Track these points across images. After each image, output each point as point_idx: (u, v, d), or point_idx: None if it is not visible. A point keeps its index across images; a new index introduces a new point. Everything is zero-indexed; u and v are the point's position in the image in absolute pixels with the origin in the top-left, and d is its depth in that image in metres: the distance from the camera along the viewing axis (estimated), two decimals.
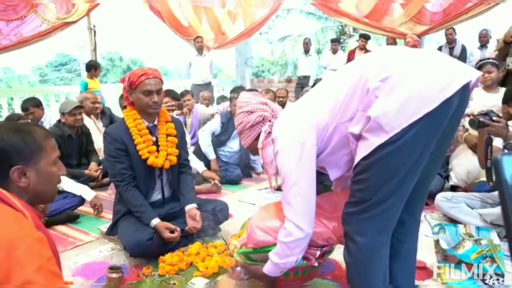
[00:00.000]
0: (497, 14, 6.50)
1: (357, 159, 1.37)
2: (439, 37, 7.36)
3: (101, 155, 4.17)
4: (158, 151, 2.40)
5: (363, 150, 1.33)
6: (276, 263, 1.60)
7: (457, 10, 6.68)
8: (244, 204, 3.39)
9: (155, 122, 2.43)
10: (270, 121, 1.65)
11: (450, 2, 6.77)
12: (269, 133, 1.63)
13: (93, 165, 3.82)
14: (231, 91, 4.81)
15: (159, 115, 2.44)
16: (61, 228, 2.89)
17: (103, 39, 7.59)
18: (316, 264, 1.71)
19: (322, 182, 3.50)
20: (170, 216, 2.47)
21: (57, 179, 1.28)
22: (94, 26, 6.65)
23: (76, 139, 3.82)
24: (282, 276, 1.70)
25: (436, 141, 1.32)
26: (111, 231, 2.47)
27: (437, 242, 2.01)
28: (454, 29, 6.80)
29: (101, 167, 3.86)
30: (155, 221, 2.26)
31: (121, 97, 4.21)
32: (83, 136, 3.90)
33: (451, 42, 6.74)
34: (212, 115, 4.98)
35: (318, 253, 1.70)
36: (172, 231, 2.26)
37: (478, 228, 2.02)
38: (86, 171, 3.72)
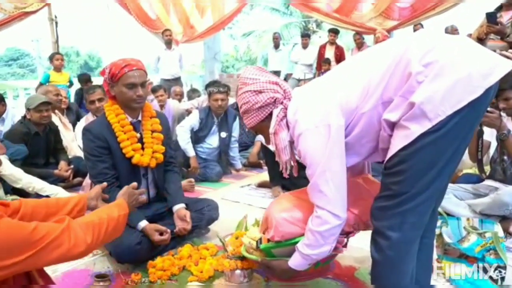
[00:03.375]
0: (463, 9, 6.70)
1: (394, 149, 1.29)
2: (407, 32, 7.48)
3: (70, 154, 3.92)
4: (143, 148, 2.23)
5: (402, 140, 1.26)
6: (307, 254, 1.49)
7: (424, 6, 6.82)
8: (228, 202, 3.26)
9: (139, 118, 2.26)
10: (282, 103, 1.52)
11: None
12: (282, 117, 1.51)
13: (62, 164, 3.57)
14: (208, 86, 4.65)
15: (143, 110, 2.27)
16: None
17: (60, 32, 7.17)
18: (343, 252, 1.63)
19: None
20: (157, 217, 2.32)
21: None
22: (55, 17, 6.26)
23: (44, 137, 3.56)
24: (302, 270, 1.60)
25: None
26: None
27: (439, 236, 1.98)
28: (422, 25, 6.95)
29: (71, 166, 3.61)
30: (143, 223, 2.10)
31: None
32: (51, 134, 3.63)
33: None
34: (187, 111, 4.81)
35: (345, 240, 1.63)
36: (161, 233, 2.11)
37: (481, 221, 2.01)
38: (56, 171, 3.47)
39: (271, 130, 1.52)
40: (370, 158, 1.53)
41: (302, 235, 1.53)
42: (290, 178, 3.21)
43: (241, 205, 3.14)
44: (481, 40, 4.22)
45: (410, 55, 1.26)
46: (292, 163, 1.62)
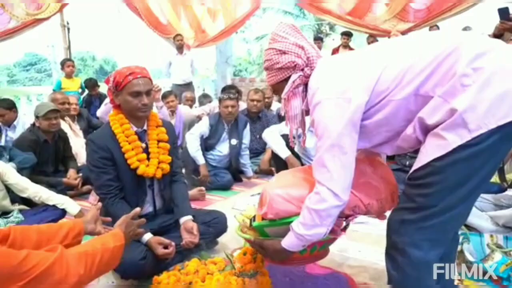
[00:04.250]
0: (480, 11, 6.50)
1: (425, 159, 1.20)
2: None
3: (80, 161, 3.89)
4: (148, 158, 2.16)
5: (436, 150, 1.17)
6: (301, 234, 1.39)
7: (440, 7, 6.64)
8: (239, 212, 3.17)
9: (145, 127, 2.19)
10: (302, 70, 1.45)
11: None
12: (298, 84, 1.45)
13: (71, 172, 3.54)
14: (222, 91, 4.59)
15: (149, 118, 2.20)
16: None
17: (74, 38, 7.27)
18: (340, 236, 1.54)
19: None
20: (163, 229, 2.25)
21: None
22: (67, 23, 6.27)
23: (53, 145, 3.53)
24: (297, 253, 1.50)
25: None
26: None
27: (460, 253, 1.86)
28: (438, 27, 6.77)
29: (80, 174, 3.58)
30: (147, 236, 2.03)
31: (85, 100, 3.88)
32: (60, 142, 3.61)
33: None
34: (198, 117, 4.75)
35: (344, 223, 1.53)
36: (166, 247, 2.03)
37: (506, 238, 1.88)
38: (65, 179, 3.44)
39: (283, 95, 1.47)
40: (378, 148, 1.43)
41: (298, 214, 1.44)
42: None
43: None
44: (497, 37, 4.04)
45: (461, 53, 1.16)
46: (302, 134, 1.57)
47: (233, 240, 2.38)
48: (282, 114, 1.59)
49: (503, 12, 3.43)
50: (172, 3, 7.70)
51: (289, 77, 1.47)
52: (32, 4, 5.47)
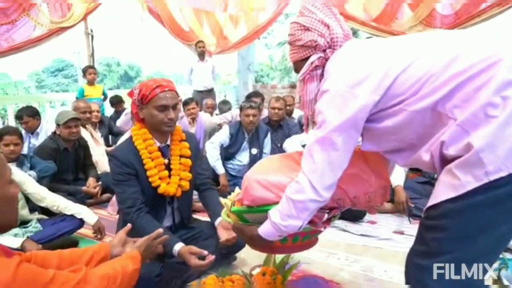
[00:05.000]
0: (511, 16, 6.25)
1: (437, 198, 1.06)
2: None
3: (100, 169, 3.88)
4: (170, 176, 2.08)
5: (448, 190, 1.03)
6: (276, 223, 1.31)
7: (469, 12, 6.41)
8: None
9: (168, 142, 2.11)
10: (324, 51, 1.33)
11: (462, 3, 6.51)
12: (317, 66, 1.33)
13: (91, 180, 3.53)
14: (246, 98, 4.52)
15: (173, 133, 2.12)
16: None
17: (99, 44, 7.36)
18: (322, 229, 1.44)
19: None
20: (183, 243, 2.17)
21: (16, 200, 1.12)
22: (91, 31, 6.34)
23: (73, 153, 3.53)
24: (278, 241, 1.41)
25: None
26: None
27: (497, 281, 1.71)
28: None
29: (99, 183, 3.56)
30: (178, 246, 1.91)
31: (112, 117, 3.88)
32: (80, 150, 3.60)
33: None
34: (219, 125, 4.69)
35: (326, 216, 1.42)
36: (202, 257, 1.90)
37: None
38: (84, 188, 3.43)
39: (300, 76, 1.35)
40: (389, 155, 1.30)
41: (276, 203, 1.35)
42: None
43: None
44: None
45: (496, 73, 1.01)
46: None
47: (252, 256, 2.29)
48: (296, 98, 1.45)
49: None
50: (195, 10, 7.71)
51: (309, 57, 1.35)
52: (56, 12, 5.53)
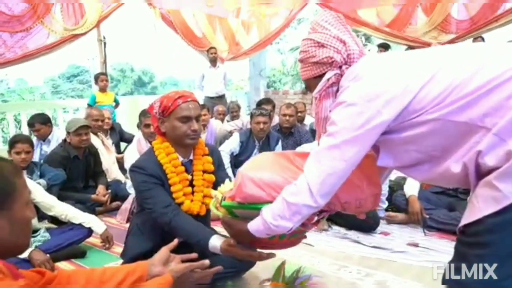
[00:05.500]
0: None
1: (477, 213, 1.01)
2: None
3: (110, 177, 3.87)
4: (193, 192, 2.00)
5: (489, 204, 0.98)
6: (267, 221, 1.30)
7: (485, 18, 6.29)
8: None
9: (191, 157, 2.04)
10: (340, 68, 1.29)
11: (478, 9, 6.39)
12: (333, 83, 1.29)
13: (100, 188, 3.51)
14: (257, 105, 4.49)
15: (195, 147, 2.03)
16: (64, 265, 2.56)
17: (113, 50, 7.42)
18: (312, 230, 1.43)
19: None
20: (200, 258, 2.11)
21: (31, 226, 1.05)
22: (104, 38, 6.39)
23: (83, 160, 3.52)
24: (266, 237, 1.41)
25: None
26: None
27: None
28: (483, 38, 6.41)
29: (109, 191, 3.55)
30: (218, 241, 1.70)
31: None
32: (90, 157, 3.60)
33: None
34: (230, 132, 4.65)
35: (316, 218, 1.45)
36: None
37: None
38: (93, 196, 3.41)
39: (315, 93, 1.31)
40: (405, 171, 1.25)
41: (267, 202, 1.36)
42: None
43: None
44: None
45: None
46: None
47: (262, 268, 2.23)
48: (312, 114, 1.41)
49: None
50: (208, 16, 7.73)
51: (324, 74, 1.31)
52: (70, 19, 5.59)
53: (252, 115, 3.66)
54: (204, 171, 2.03)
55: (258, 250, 1.62)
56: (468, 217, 1.05)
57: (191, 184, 2.00)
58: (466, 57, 1.11)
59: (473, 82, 1.03)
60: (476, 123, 1.02)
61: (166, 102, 1.88)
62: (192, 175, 2.01)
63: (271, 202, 1.36)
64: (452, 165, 1.09)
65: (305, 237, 1.65)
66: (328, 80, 1.29)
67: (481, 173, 1.03)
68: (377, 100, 1.12)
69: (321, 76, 1.32)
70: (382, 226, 3.12)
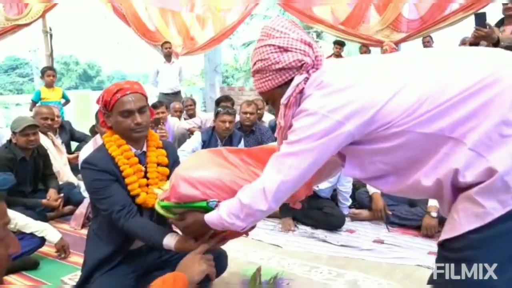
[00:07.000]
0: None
1: (459, 229, 0.99)
2: (416, 45, 7.24)
3: (62, 179, 3.61)
4: (147, 185, 1.90)
5: (472, 219, 0.96)
6: (222, 218, 1.31)
7: (434, 17, 6.56)
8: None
9: (144, 149, 1.94)
10: (308, 72, 1.20)
11: (427, 9, 6.65)
12: (303, 89, 1.20)
13: (51, 192, 3.25)
14: (218, 102, 4.37)
15: (148, 139, 1.95)
16: (15, 279, 2.34)
17: (57, 41, 6.94)
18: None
19: (321, 208, 3.18)
20: (157, 265, 2.00)
21: (7, 262, 0.93)
22: (50, 29, 5.96)
23: (31, 162, 3.24)
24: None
25: None
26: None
27: None
28: (431, 37, 6.69)
29: (61, 194, 3.30)
30: (171, 240, 1.67)
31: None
32: (39, 159, 3.32)
33: None
34: (189, 131, 4.50)
35: None
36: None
37: None
38: (44, 201, 3.15)
39: (284, 100, 1.21)
40: (374, 182, 1.22)
41: (203, 200, 1.40)
42: (302, 209, 2.92)
43: (250, 241, 2.81)
44: (473, 45, 3.75)
45: (503, 88, 0.95)
46: None
47: (231, 272, 2.16)
48: (280, 124, 1.32)
49: (479, 17, 3.22)
50: (161, 9, 7.46)
51: (290, 80, 1.21)
52: (12, 9, 5.16)
53: (217, 113, 3.54)
54: (159, 164, 1.95)
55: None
56: (449, 232, 1.03)
57: (145, 176, 1.90)
58: (436, 68, 1.08)
59: (446, 94, 1.01)
60: (445, 133, 1.00)
61: (106, 97, 1.78)
62: (146, 167, 1.91)
63: (206, 200, 1.40)
64: (422, 178, 1.07)
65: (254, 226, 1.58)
66: (297, 85, 1.19)
67: (458, 187, 1.02)
68: (340, 111, 1.08)
69: (286, 83, 1.22)
70: (347, 223, 3.15)
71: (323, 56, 1.23)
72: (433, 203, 2.88)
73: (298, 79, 1.19)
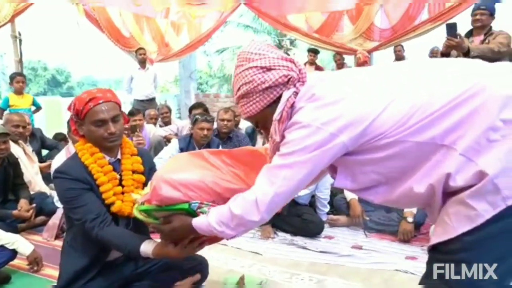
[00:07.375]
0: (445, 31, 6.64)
1: (452, 232, 1.02)
2: (388, 53, 7.43)
3: (33, 189, 3.49)
4: (123, 193, 1.87)
5: (464, 222, 0.99)
6: (211, 225, 1.30)
7: (404, 27, 6.74)
8: (213, 246, 2.91)
9: (118, 156, 1.91)
10: (295, 86, 1.20)
11: (398, 19, 6.83)
12: (294, 103, 1.20)
13: (22, 203, 3.14)
14: (192, 108, 4.32)
15: (122, 146, 1.92)
16: None
17: (25, 46, 6.68)
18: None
19: (300, 215, 3.19)
20: (135, 277, 1.96)
21: None
22: (19, 34, 5.78)
23: (1, 172, 3.12)
24: None
25: None
26: None
27: None
28: (402, 46, 6.88)
29: (33, 205, 3.19)
30: (148, 247, 1.64)
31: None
32: (9, 168, 3.20)
33: (400, 59, 6.79)
34: (166, 138, 4.45)
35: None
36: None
37: None
38: (15, 212, 3.04)
39: (276, 116, 1.20)
40: (364, 193, 1.24)
41: (184, 202, 1.39)
42: (280, 216, 2.93)
43: (229, 249, 2.79)
44: (445, 55, 3.87)
45: (488, 97, 0.99)
46: None
47: (212, 280, 2.14)
48: (276, 140, 1.31)
49: (450, 27, 3.32)
50: (135, 15, 7.37)
51: (278, 98, 1.22)
52: None
53: (195, 121, 3.51)
54: (134, 171, 1.92)
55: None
56: (441, 235, 1.06)
57: (120, 184, 1.88)
58: (422, 80, 1.11)
59: (435, 104, 1.04)
60: (437, 141, 1.03)
61: (78, 105, 1.75)
62: (120, 174, 1.89)
63: (188, 201, 1.39)
64: (414, 185, 1.10)
65: None
66: (288, 99, 1.19)
67: (447, 192, 1.05)
68: (333, 123, 1.10)
69: (274, 102, 1.23)
70: (326, 230, 3.17)
71: (304, 70, 1.25)
72: (409, 208, 2.95)
73: (287, 93, 1.20)
